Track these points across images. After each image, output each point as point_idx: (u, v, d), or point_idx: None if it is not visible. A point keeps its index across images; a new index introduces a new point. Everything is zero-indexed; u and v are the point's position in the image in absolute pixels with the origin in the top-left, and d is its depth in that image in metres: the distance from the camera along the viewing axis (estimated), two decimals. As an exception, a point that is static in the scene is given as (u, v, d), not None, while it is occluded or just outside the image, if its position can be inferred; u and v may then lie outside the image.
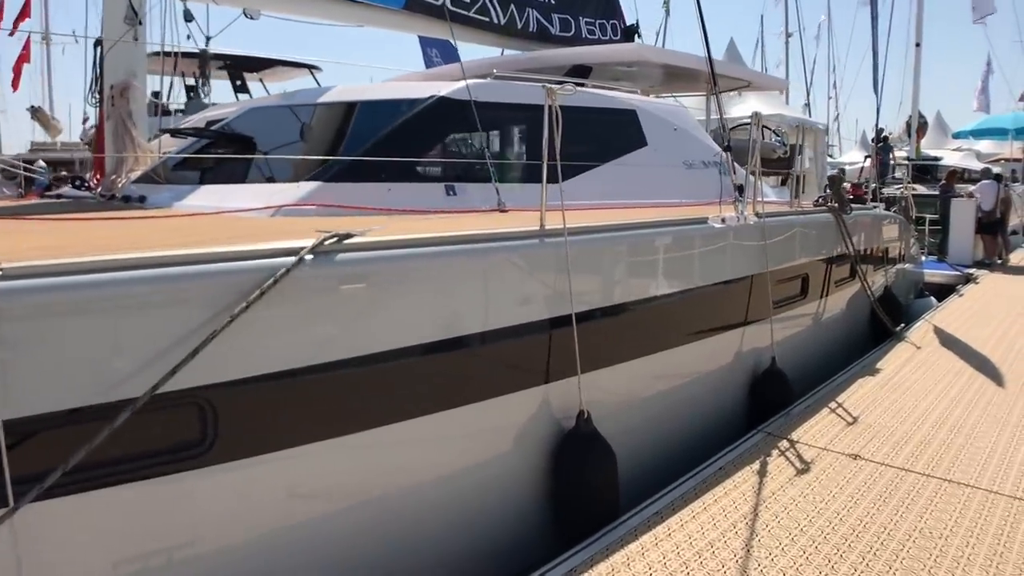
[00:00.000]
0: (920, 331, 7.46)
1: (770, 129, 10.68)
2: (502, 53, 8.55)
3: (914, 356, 6.45)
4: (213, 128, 5.96)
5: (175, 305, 2.53)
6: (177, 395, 2.51)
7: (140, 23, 5.79)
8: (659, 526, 3.42)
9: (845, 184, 8.30)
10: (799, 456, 4.21)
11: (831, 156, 26.84)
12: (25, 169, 6.80)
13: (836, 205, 6.68)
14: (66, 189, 6.19)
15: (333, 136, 5.12)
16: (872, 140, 15.97)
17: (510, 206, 4.67)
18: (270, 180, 4.76)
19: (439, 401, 3.22)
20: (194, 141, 5.76)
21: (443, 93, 4.97)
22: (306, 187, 4.30)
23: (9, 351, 2.22)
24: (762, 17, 48.89)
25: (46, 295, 2.29)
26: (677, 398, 4.64)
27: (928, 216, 13.26)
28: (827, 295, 6.74)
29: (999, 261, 12.94)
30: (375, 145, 4.62)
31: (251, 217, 4.06)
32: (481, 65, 6.97)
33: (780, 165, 9.21)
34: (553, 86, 3.60)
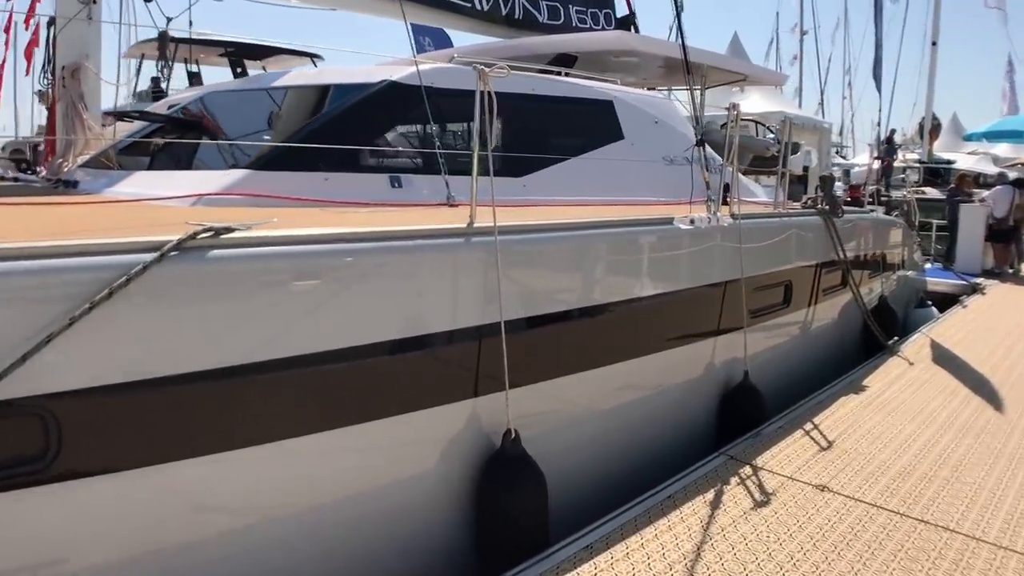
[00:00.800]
0: (915, 345, 6.99)
1: (764, 126, 10.20)
2: None
3: (905, 373, 6.00)
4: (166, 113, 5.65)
5: (7, 305, 2.19)
6: (9, 405, 2.19)
7: (94, 2, 5.50)
8: (589, 561, 3.03)
9: (840, 185, 7.84)
10: (760, 485, 3.80)
11: (844, 157, 26.27)
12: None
13: (827, 207, 6.24)
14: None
15: (282, 122, 4.77)
16: (881, 141, 15.49)
17: (462, 200, 4.28)
18: (210, 168, 4.44)
19: (330, 418, 2.84)
20: (146, 125, 5.46)
21: (395, 77, 4.58)
22: (234, 175, 3.94)
23: None
24: (777, 14, 48.24)
25: None
26: (627, 417, 4.20)
27: (935, 221, 12.73)
28: (814, 304, 6.30)
29: (1010, 271, 12.39)
30: (314, 131, 4.25)
31: (171, 206, 3.71)
32: (472, 52, 6.59)
33: (775, 164, 8.74)
34: (484, 67, 3.20)
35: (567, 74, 5.97)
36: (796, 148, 9.72)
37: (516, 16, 8.18)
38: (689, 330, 4.56)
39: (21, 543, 2.36)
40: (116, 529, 2.50)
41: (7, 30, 6.54)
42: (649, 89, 7.81)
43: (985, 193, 13.58)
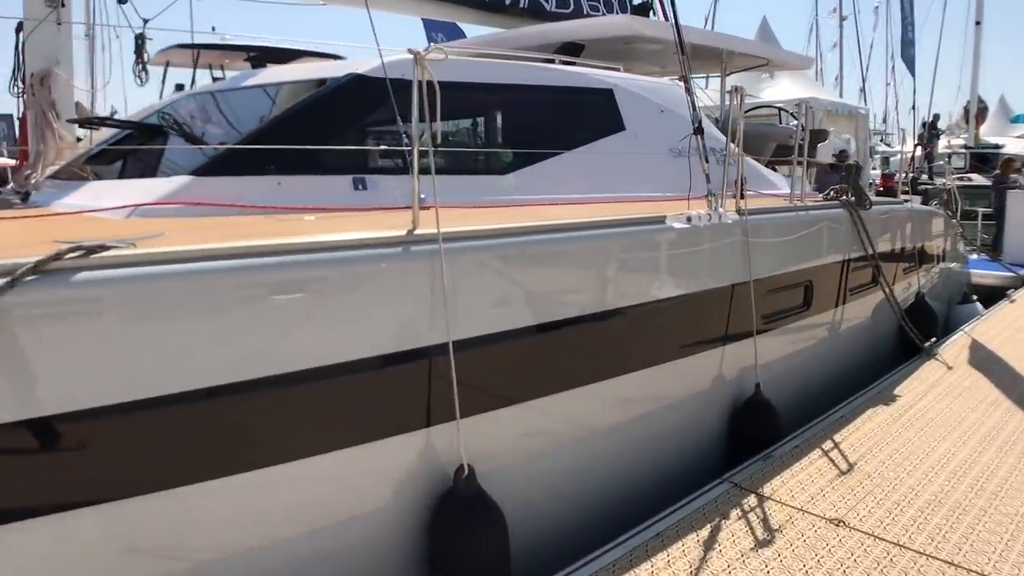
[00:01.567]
0: (956, 346, 6.38)
1: (789, 112, 9.57)
2: None
3: (942, 379, 5.42)
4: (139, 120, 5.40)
5: None
6: None
7: (63, 5, 5.26)
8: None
9: (875, 173, 7.24)
10: (766, 519, 3.33)
11: (888, 145, 25.21)
12: None
13: (852, 199, 5.69)
14: None
15: (237, 123, 4.44)
16: (923, 126, 14.71)
17: (434, 202, 3.87)
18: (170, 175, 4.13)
19: (236, 461, 2.46)
20: (117, 133, 5.19)
21: (360, 71, 4.21)
22: (174, 182, 3.61)
23: None
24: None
25: None
26: (613, 445, 3.73)
27: (980, 210, 11.93)
28: (841, 305, 5.76)
29: (1064, 260, 11.54)
30: (264, 132, 3.89)
31: (105, 218, 3.39)
32: (474, 44, 6.23)
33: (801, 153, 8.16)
34: (420, 52, 2.79)
35: (565, 62, 5.53)
36: (824, 136, 9.09)
37: (522, 5, 7.81)
38: (687, 340, 4.08)
39: None
40: None
41: None
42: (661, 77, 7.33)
43: (1032, 177, 12.72)
